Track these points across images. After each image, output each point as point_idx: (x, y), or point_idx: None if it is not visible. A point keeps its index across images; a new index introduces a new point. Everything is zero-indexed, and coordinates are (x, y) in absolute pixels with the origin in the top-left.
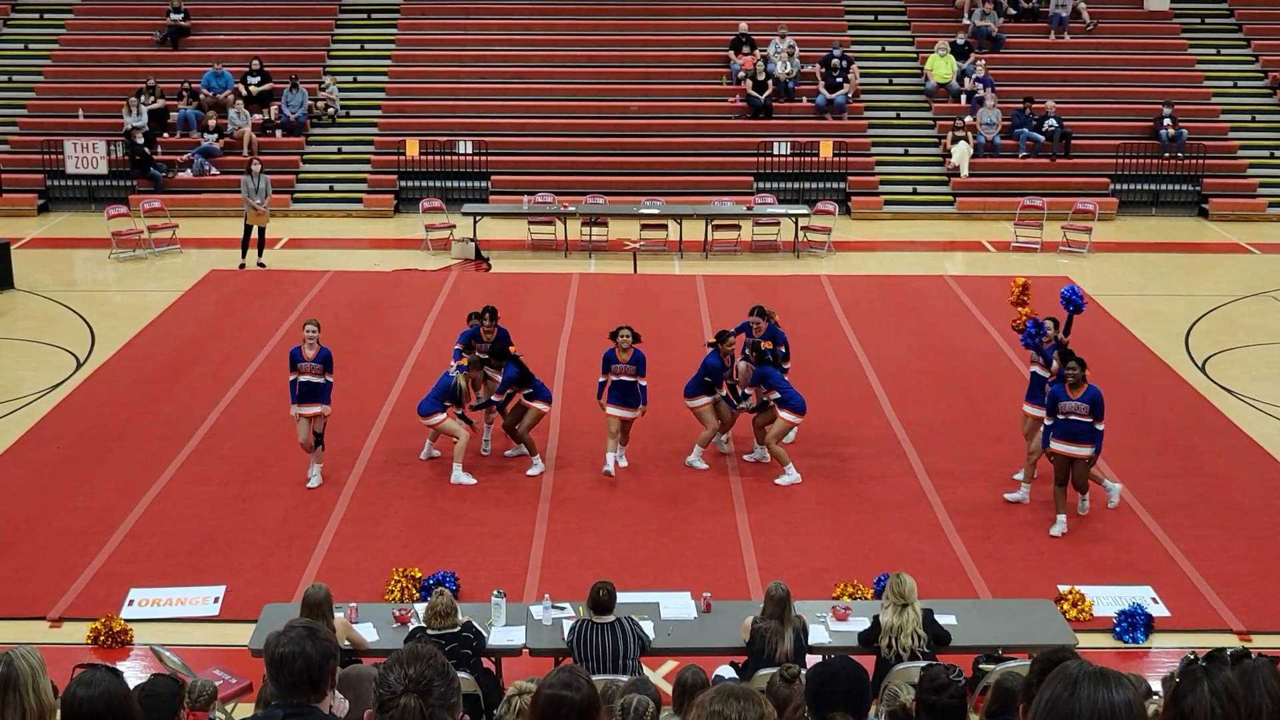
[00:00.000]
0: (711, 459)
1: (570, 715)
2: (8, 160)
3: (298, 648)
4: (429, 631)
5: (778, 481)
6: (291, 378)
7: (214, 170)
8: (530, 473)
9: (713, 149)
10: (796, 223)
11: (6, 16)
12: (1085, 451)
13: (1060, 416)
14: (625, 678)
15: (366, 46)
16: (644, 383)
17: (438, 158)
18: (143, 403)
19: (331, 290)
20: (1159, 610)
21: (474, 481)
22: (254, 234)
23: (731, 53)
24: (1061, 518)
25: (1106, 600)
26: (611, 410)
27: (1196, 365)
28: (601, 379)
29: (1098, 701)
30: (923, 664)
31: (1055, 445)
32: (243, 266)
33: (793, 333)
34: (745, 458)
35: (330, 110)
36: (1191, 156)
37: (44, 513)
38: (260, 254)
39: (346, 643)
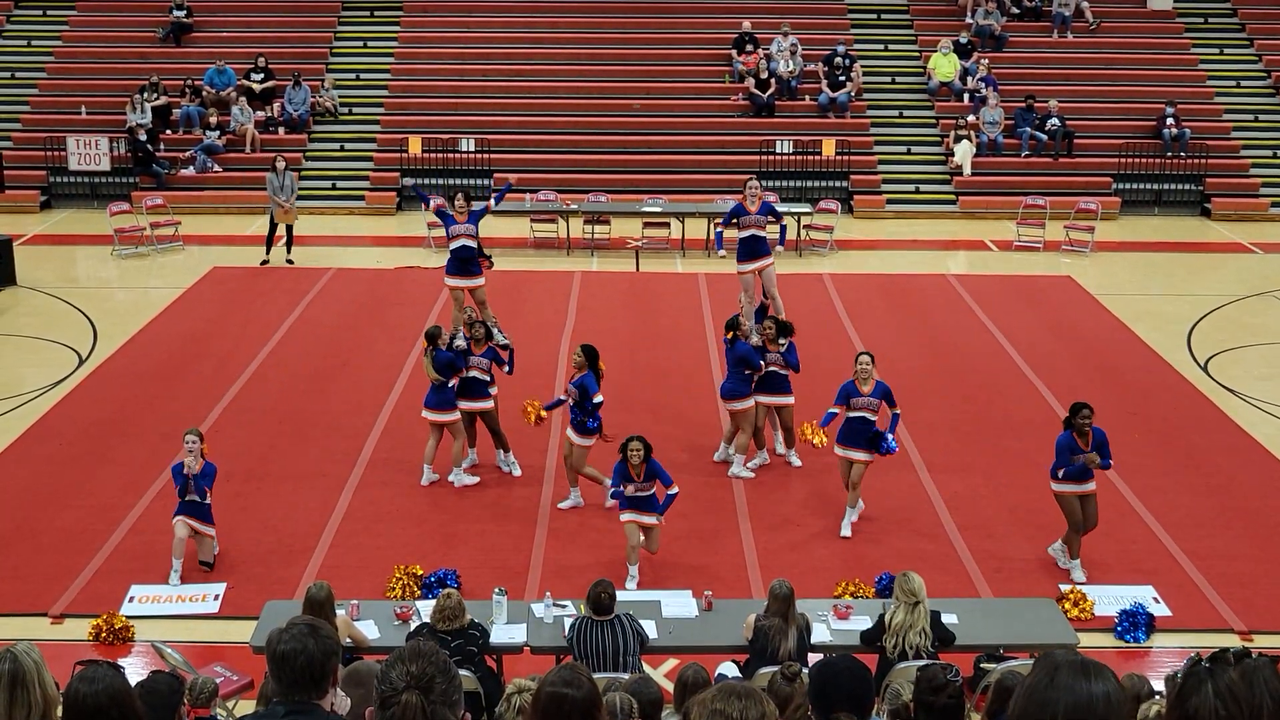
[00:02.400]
0: (712, 463)
1: (572, 713)
2: (10, 157)
3: (299, 645)
4: (437, 629)
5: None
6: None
7: (216, 167)
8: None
9: (715, 147)
10: (799, 221)
11: (10, 13)
12: (1093, 487)
13: (1072, 464)
14: (626, 675)
15: (369, 44)
16: (672, 491)
17: (440, 155)
18: (145, 400)
19: (334, 287)
20: (1160, 610)
21: (477, 480)
22: (279, 231)
23: (734, 51)
24: (1077, 563)
25: (1108, 600)
26: (626, 516)
27: (1199, 365)
28: (615, 489)
29: (1075, 691)
30: (927, 663)
31: (1063, 488)
32: (265, 263)
33: (795, 331)
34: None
35: (330, 104)
36: (1194, 156)
37: (46, 509)
38: (289, 251)
39: (348, 640)
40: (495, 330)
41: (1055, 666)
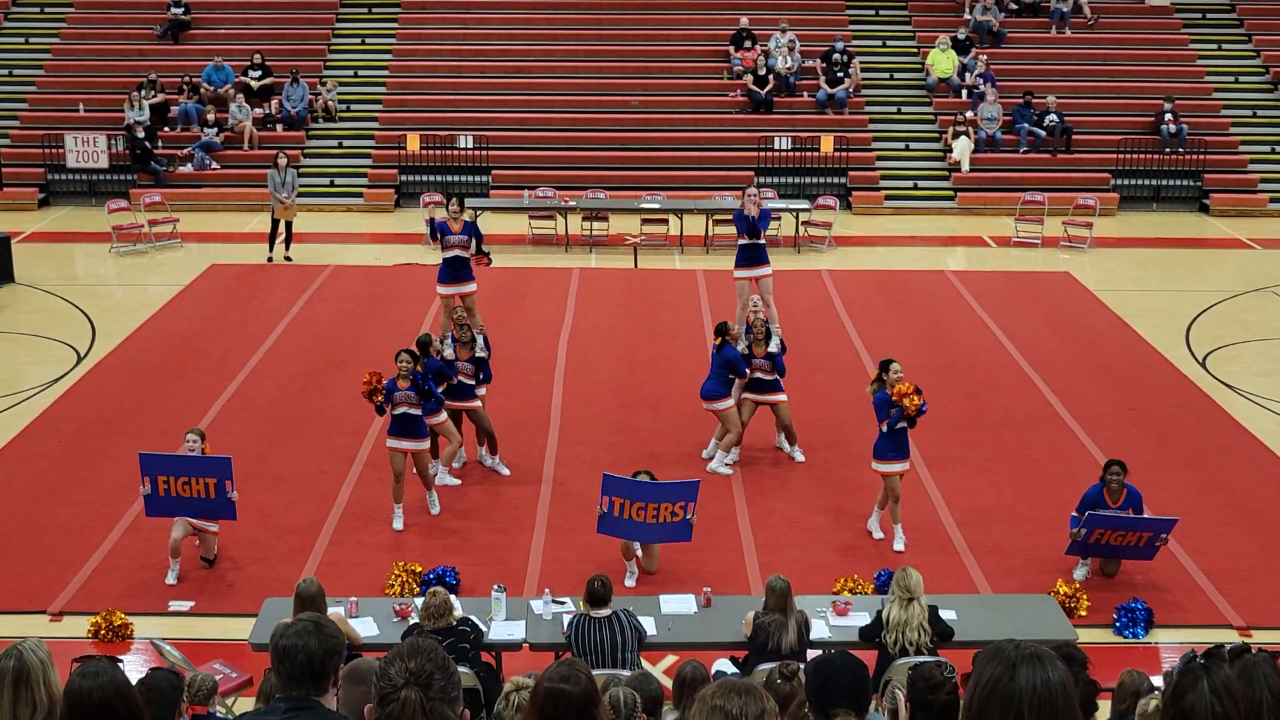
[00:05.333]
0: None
1: (569, 709)
2: (8, 154)
3: (302, 641)
4: (425, 628)
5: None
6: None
7: (215, 165)
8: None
9: (713, 144)
10: (797, 218)
11: (7, 10)
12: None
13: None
14: (626, 672)
15: (367, 41)
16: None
17: (438, 152)
18: (143, 397)
19: (332, 284)
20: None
21: (459, 483)
22: (280, 228)
23: (732, 47)
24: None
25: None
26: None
27: (1197, 361)
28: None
29: (1036, 684)
30: (923, 659)
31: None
32: (270, 260)
33: (793, 328)
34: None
35: (328, 101)
36: (1192, 152)
37: (45, 506)
38: (288, 248)
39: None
40: (480, 338)
41: (1013, 661)
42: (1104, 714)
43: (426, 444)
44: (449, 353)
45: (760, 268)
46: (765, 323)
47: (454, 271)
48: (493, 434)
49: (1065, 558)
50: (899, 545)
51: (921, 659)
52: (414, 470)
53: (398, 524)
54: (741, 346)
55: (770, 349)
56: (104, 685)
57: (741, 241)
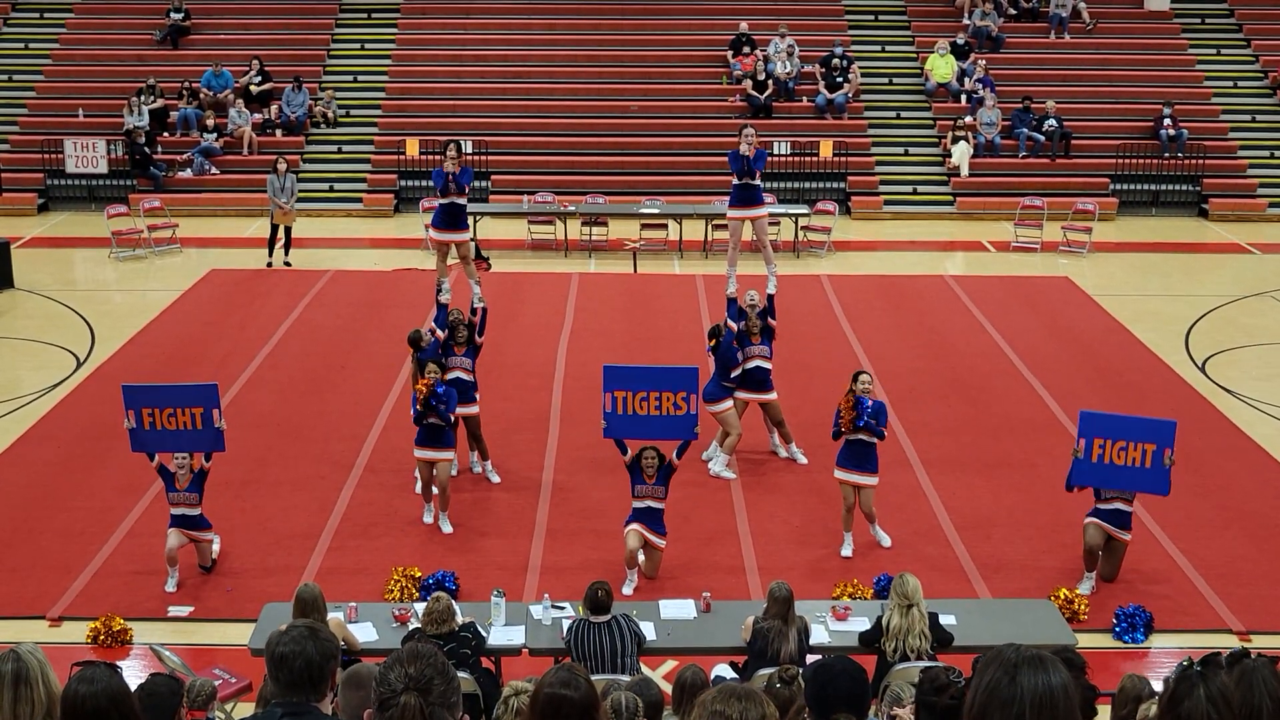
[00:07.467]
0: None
1: (570, 714)
2: (8, 159)
3: (299, 647)
4: (427, 633)
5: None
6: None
7: (214, 170)
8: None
9: (713, 149)
10: (796, 222)
11: (7, 16)
12: (1125, 536)
13: (1101, 506)
14: (626, 677)
15: (367, 46)
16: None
17: (438, 157)
18: None
19: (332, 289)
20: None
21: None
22: (280, 233)
23: (731, 53)
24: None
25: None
26: (632, 527)
27: (1196, 365)
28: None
29: (1038, 686)
30: (923, 664)
31: (1096, 521)
32: (270, 265)
33: (792, 333)
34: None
35: (326, 111)
36: (1191, 157)
37: (44, 511)
38: (287, 253)
39: (340, 643)
40: (475, 287)
41: (1014, 663)
42: (1104, 719)
43: (452, 454)
44: (445, 297)
45: (755, 208)
46: (760, 316)
47: (449, 218)
48: (483, 441)
49: (1064, 562)
50: (846, 551)
51: (919, 664)
52: (434, 488)
53: (428, 518)
54: (739, 326)
55: (768, 290)
56: (99, 693)
57: (737, 181)
